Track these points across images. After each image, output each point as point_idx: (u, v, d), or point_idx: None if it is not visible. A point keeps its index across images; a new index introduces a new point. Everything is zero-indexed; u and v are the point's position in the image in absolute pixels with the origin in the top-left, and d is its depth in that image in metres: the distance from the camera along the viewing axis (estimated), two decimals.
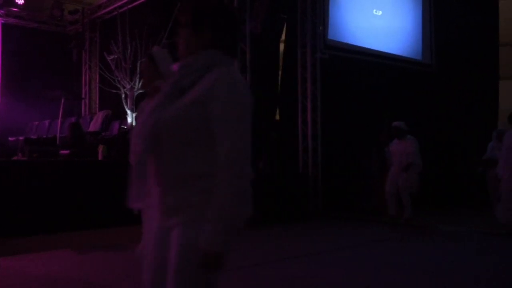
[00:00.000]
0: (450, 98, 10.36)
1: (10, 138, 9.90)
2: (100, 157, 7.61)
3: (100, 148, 7.63)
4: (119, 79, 9.64)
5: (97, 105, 11.74)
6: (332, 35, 9.08)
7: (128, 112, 9.47)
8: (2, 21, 10.98)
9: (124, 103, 9.59)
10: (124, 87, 9.59)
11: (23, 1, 10.83)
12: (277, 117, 9.68)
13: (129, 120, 9.47)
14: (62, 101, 9.43)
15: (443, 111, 10.22)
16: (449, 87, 10.46)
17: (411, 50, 10.61)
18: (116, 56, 9.69)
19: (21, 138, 9.59)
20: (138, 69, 9.35)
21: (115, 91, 9.82)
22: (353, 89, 9.12)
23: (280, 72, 9.64)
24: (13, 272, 4.53)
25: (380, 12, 10.00)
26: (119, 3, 10.56)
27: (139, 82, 9.38)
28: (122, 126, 9.45)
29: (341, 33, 9.26)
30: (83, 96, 11.88)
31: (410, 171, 7.40)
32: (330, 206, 8.45)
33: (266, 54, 8.86)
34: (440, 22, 10.81)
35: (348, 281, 4.36)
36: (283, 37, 9.63)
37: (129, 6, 10.26)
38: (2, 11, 10.83)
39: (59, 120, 9.16)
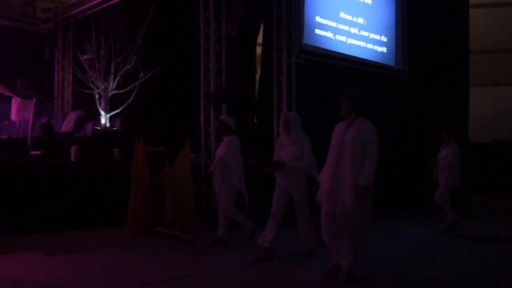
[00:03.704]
0: (422, 104, 10.58)
1: None
2: (72, 158, 7.49)
3: (73, 149, 7.52)
4: (93, 79, 9.51)
5: (70, 106, 11.56)
6: (308, 39, 9.18)
7: (102, 113, 9.34)
8: None
9: (97, 104, 9.45)
10: (97, 88, 9.46)
11: None
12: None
13: (102, 121, 9.35)
14: (34, 101, 9.26)
15: (414, 117, 10.43)
16: (421, 93, 10.69)
17: (384, 56, 10.80)
18: (89, 56, 9.55)
19: None
20: (112, 69, 9.25)
21: (88, 91, 9.68)
22: (327, 93, 9.22)
23: (257, 76, 9.67)
24: None
25: (355, 19, 10.16)
26: (93, 2, 10.41)
27: (113, 82, 9.28)
28: (95, 127, 9.32)
29: (316, 38, 9.37)
30: (55, 96, 11.68)
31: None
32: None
33: (242, 57, 8.89)
34: (413, 29, 11.03)
35: None
36: (260, 40, 9.68)
37: (103, 5, 10.13)
38: None
39: (31, 120, 8.99)
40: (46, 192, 6.59)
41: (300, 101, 8.77)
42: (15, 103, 10.70)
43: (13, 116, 10.67)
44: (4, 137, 9.57)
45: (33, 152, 7.44)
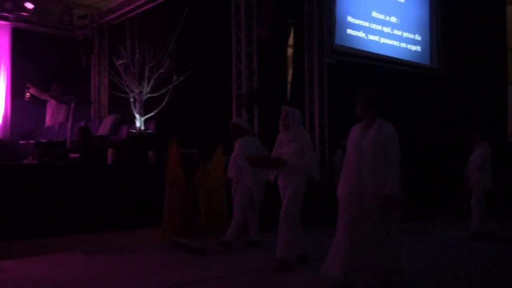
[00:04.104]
0: (458, 103, 10.34)
1: (20, 142, 10.01)
2: (109, 161, 7.67)
3: (110, 152, 7.69)
4: (128, 83, 9.72)
5: (106, 109, 11.84)
6: (339, 40, 9.12)
7: (137, 116, 9.53)
8: (12, 25, 11.10)
9: (132, 107, 9.66)
10: (132, 92, 9.66)
11: (33, 6, 10.96)
12: None
13: (137, 124, 9.54)
14: (72, 105, 9.52)
15: (450, 116, 10.20)
16: (457, 92, 10.45)
17: (418, 55, 10.63)
18: (124, 61, 9.77)
19: (31, 141, 9.70)
20: (146, 73, 9.43)
21: (123, 95, 9.90)
22: None
23: (289, 77, 9.68)
24: (20, 275, 4.61)
25: (388, 18, 10.03)
26: (127, 8, 10.67)
27: (147, 86, 9.46)
28: (131, 130, 9.52)
29: (348, 38, 9.30)
30: (92, 100, 11.98)
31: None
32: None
33: (273, 59, 8.91)
34: (447, 26, 10.81)
35: None
36: (291, 41, 9.68)
37: (137, 11, 10.36)
38: (12, 16, 10.94)
39: (69, 124, 9.25)
40: (85, 193, 6.76)
41: (332, 103, 8.71)
42: (49, 107, 11.05)
43: (48, 120, 11.01)
44: (45, 140, 9.89)
45: (71, 155, 7.65)
